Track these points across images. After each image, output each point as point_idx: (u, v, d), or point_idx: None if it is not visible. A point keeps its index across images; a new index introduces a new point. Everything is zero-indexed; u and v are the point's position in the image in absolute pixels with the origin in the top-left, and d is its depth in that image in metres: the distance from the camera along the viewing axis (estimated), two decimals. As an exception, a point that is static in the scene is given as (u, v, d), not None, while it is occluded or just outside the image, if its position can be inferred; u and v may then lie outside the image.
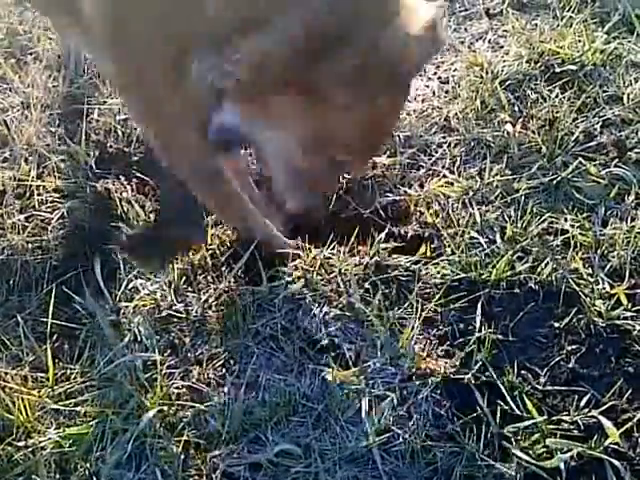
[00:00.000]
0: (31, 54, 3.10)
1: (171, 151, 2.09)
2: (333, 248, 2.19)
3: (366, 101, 1.71)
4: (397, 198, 2.37)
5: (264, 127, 1.86)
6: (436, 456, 1.75)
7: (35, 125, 2.71)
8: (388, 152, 2.50)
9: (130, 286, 2.16)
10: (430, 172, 2.45)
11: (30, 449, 1.82)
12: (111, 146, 2.68)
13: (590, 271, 2.10)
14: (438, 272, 2.13)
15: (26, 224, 2.37)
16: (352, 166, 2.02)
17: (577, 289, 2.04)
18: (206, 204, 2.25)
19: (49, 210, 2.42)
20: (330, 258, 2.17)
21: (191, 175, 2.13)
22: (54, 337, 2.05)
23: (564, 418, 1.79)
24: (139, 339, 2.04)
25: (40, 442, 1.83)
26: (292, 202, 2.02)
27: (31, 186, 2.48)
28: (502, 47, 2.99)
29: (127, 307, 2.11)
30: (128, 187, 2.46)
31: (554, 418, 1.80)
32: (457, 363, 1.93)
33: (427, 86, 2.83)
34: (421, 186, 2.41)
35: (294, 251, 2.21)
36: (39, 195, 2.46)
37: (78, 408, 1.90)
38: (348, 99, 1.68)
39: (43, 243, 2.33)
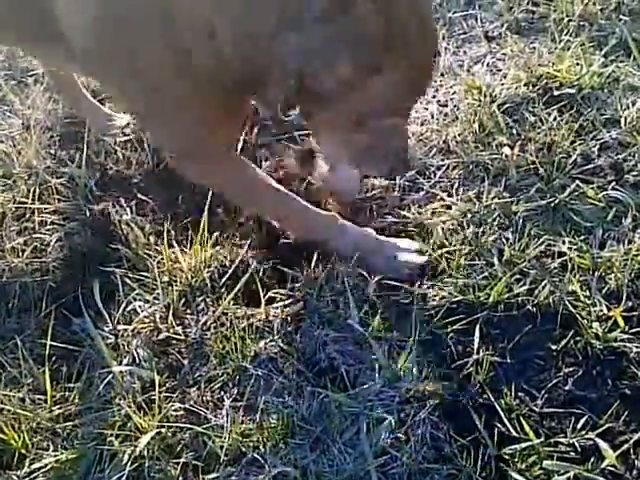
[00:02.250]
0: (31, 76, 3.12)
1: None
2: (331, 270, 2.20)
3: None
4: (396, 220, 2.38)
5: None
6: (434, 478, 1.75)
7: (35, 147, 2.72)
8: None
9: (129, 308, 2.17)
10: (429, 195, 2.46)
11: (28, 471, 1.82)
12: (111, 168, 2.69)
13: (587, 293, 2.09)
14: (436, 294, 2.13)
15: (25, 246, 2.38)
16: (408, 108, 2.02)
17: (574, 311, 2.04)
18: (241, 205, 2.39)
19: (48, 232, 2.44)
20: (329, 280, 2.18)
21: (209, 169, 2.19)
22: (52, 359, 2.05)
23: (561, 440, 1.79)
24: (138, 361, 2.04)
25: (38, 464, 1.83)
26: (377, 171, 2.15)
27: (31, 208, 2.50)
28: (500, 70, 3.00)
29: (126, 329, 2.12)
30: (127, 209, 2.47)
31: (551, 440, 1.79)
32: (455, 385, 1.92)
33: (426, 109, 2.84)
34: (420, 208, 2.41)
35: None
36: (39, 216, 2.48)
37: (76, 430, 1.91)
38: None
39: (42, 265, 2.34)
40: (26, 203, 2.51)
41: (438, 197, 2.45)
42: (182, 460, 1.82)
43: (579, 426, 1.81)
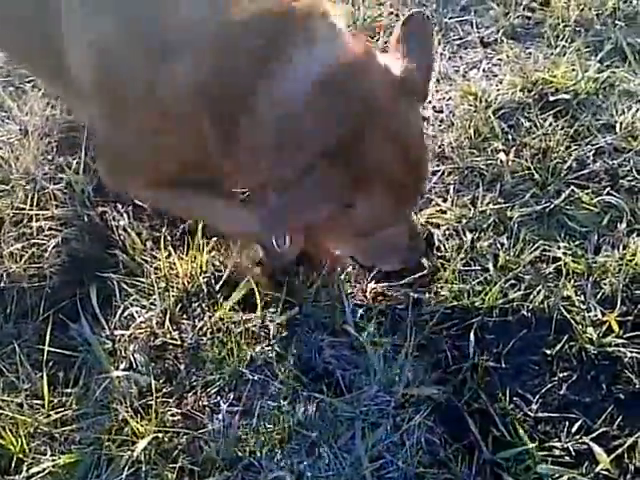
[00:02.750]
0: (29, 82, 3.12)
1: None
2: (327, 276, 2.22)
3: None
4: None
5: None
6: (429, 483, 1.77)
7: (33, 153, 2.73)
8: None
9: (126, 314, 2.18)
10: (424, 200, 2.47)
11: (26, 475, 1.83)
12: (108, 174, 2.70)
13: (582, 298, 2.11)
14: (432, 300, 2.14)
15: (23, 252, 2.38)
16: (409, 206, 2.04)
17: (569, 316, 2.06)
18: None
19: (46, 238, 2.44)
20: (325, 285, 2.19)
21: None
22: (50, 364, 2.05)
23: (555, 444, 1.81)
24: (134, 366, 2.05)
25: (36, 468, 1.84)
26: (389, 266, 2.13)
27: (29, 214, 2.50)
28: (496, 76, 3.01)
29: (123, 335, 2.13)
30: (125, 215, 2.48)
31: (545, 445, 1.81)
32: (450, 390, 1.94)
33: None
34: (415, 214, 2.42)
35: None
36: (37, 222, 2.48)
37: (74, 435, 1.91)
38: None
39: (40, 271, 2.34)
40: (24, 209, 2.52)
41: (433, 202, 2.46)
42: (178, 465, 1.83)
43: (573, 430, 1.84)
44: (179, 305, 2.19)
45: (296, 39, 1.72)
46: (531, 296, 2.12)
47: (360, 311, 2.12)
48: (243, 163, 1.83)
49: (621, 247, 2.23)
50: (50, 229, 2.47)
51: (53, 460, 1.85)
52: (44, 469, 1.84)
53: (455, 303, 2.12)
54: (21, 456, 1.88)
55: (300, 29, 1.73)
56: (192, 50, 1.74)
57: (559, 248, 2.25)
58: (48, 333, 2.05)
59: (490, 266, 2.20)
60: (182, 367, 2.05)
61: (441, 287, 2.18)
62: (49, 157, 2.76)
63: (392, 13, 3.40)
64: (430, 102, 2.90)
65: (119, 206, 2.53)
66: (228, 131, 1.78)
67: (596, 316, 2.06)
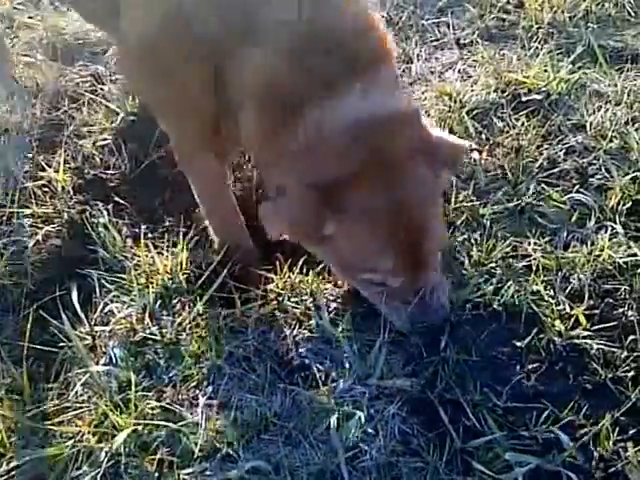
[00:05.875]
0: (11, 80, 3.15)
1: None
2: (304, 271, 2.26)
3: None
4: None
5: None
6: (402, 471, 1.80)
7: (13, 151, 2.75)
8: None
9: (106, 310, 2.21)
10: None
11: (7, 469, 1.85)
12: (88, 172, 2.72)
13: (551, 293, 2.15)
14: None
15: (4, 250, 2.40)
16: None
17: (538, 310, 2.10)
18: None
19: (26, 235, 2.46)
20: (301, 281, 2.23)
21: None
22: (31, 360, 2.07)
23: (524, 433, 1.85)
24: (114, 361, 2.08)
25: (16, 462, 1.86)
26: (397, 322, 2.09)
27: (9, 212, 2.52)
28: (471, 77, 3.06)
29: (103, 330, 2.16)
30: (105, 212, 2.50)
31: (514, 433, 1.85)
32: (423, 382, 1.98)
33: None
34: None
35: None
36: (17, 220, 2.50)
37: (54, 429, 1.93)
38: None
39: (20, 268, 2.36)
40: (4, 206, 2.54)
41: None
42: (158, 457, 1.86)
43: (541, 420, 1.87)
44: (159, 301, 2.22)
45: (356, 82, 1.86)
46: (502, 290, 2.16)
47: (335, 306, 2.17)
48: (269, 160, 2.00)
49: (589, 243, 2.28)
50: (31, 226, 2.49)
51: (34, 454, 1.87)
52: (24, 463, 1.86)
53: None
54: (2, 450, 1.90)
55: (365, 71, 1.87)
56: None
57: (530, 244, 2.30)
58: (28, 329, 2.06)
59: (464, 261, 2.24)
60: (161, 362, 2.08)
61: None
62: (29, 155, 2.78)
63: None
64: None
65: (99, 204, 2.55)
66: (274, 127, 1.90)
67: (564, 310, 2.11)
